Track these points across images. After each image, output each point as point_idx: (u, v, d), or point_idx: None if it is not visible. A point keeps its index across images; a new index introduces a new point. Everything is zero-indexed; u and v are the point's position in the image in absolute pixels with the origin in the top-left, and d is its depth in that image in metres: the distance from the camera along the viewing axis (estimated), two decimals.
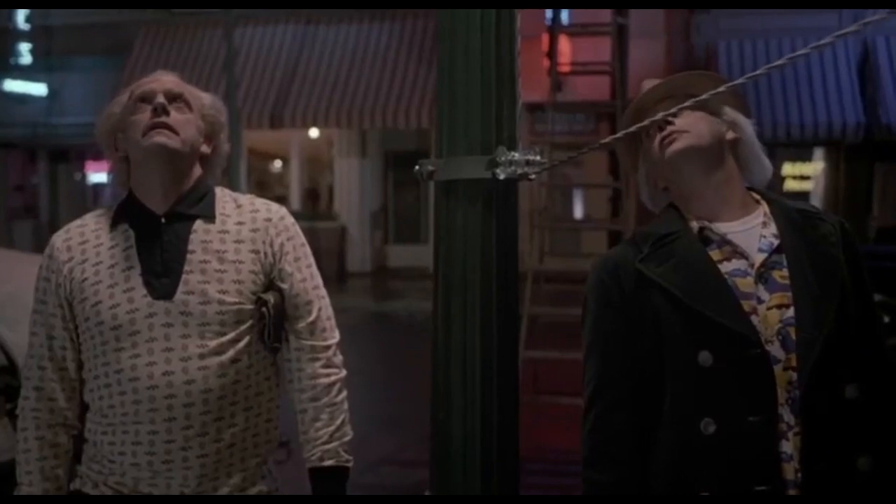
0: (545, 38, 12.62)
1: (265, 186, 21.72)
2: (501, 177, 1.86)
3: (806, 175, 18.51)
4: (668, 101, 2.06)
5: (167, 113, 2.20)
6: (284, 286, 2.28)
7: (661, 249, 2.02)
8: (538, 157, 1.90)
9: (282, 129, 18.19)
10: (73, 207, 21.56)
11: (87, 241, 2.23)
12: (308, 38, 18.44)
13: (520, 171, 1.88)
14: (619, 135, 1.87)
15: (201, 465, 2.17)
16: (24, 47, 20.12)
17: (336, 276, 18.81)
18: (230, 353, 2.18)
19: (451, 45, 1.91)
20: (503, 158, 1.86)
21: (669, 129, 2.05)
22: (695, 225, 2.05)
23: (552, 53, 9.21)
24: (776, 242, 2.01)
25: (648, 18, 13.19)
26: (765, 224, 2.04)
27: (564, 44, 12.33)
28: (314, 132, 20.01)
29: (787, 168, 18.53)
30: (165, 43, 18.89)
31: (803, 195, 18.35)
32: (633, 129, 1.86)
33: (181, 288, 2.16)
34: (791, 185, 18.59)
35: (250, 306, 2.22)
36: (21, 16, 20.01)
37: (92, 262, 2.20)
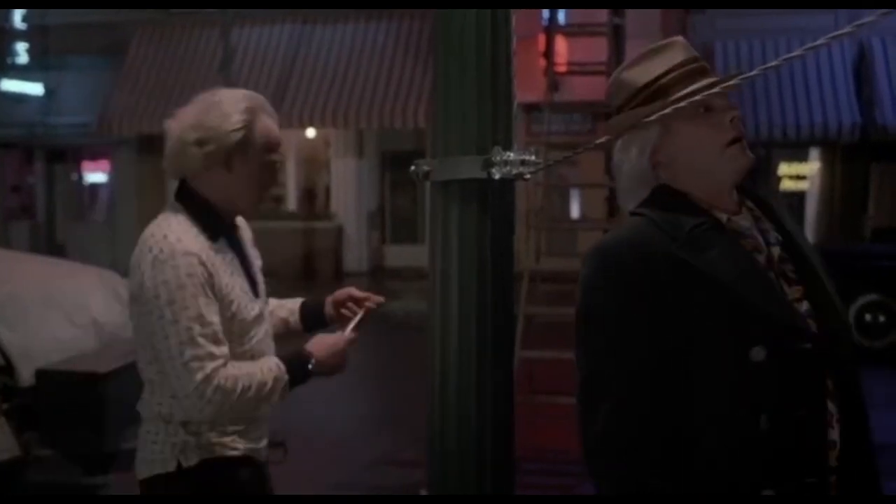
0: (542, 38, 12.65)
1: None
2: (497, 177, 1.87)
3: (802, 175, 18.53)
4: (699, 78, 1.95)
5: None
6: None
7: (698, 239, 1.90)
8: (533, 158, 1.91)
9: (278, 128, 18.19)
10: (70, 207, 21.57)
11: (208, 252, 2.52)
12: (305, 38, 18.45)
13: (515, 171, 1.88)
14: (676, 106, 1.77)
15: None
16: (21, 47, 20.11)
17: (333, 276, 18.83)
18: None
19: (447, 45, 1.92)
20: (498, 158, 1.86)
21: (741, 130, 1.95)
22: (722, 216, 1.95)
23: (548, 53, 9.23)
24: (779, 236, 1.98)
25: (645, 19, 13.19)
26: (757, 218, 2.00)
27: (561, 44, 12.33)
28: (311, 132, 20.01)
29: (784, 168, 18.56)
30: (162, 43, 18.88)
31: (799, 195, 18.40)
32: (708, 90, 1.70)
33: (258, 284, 2.67)
34: (787, 185, 18.62)
35: None
36: (18, 15, 19.99)
37: (221, 270, 2.52)
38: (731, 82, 1.84)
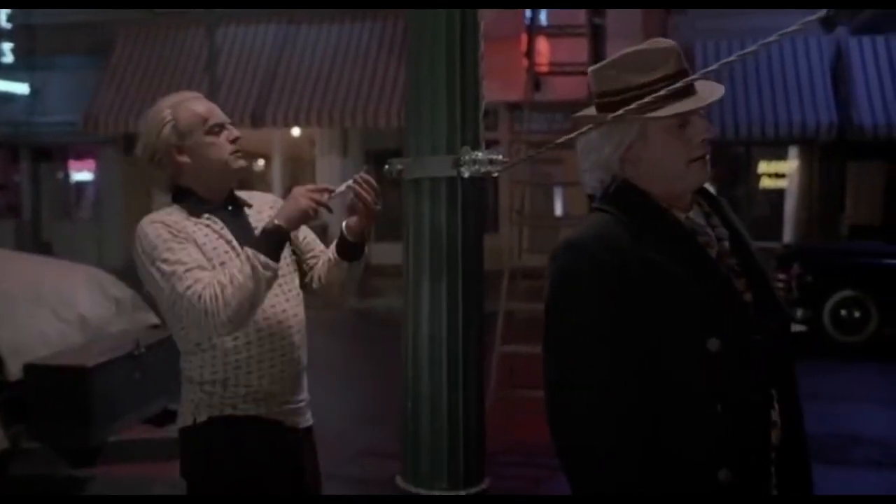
0: (524, 38, 12.74)
1: (247, 185, 21.63)
2: (466, 175, 1.98)
3: (781, 173, 18.67)
4: (688, 91, 2.02)
5: None
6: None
7: (659, 236, 2.00)
8: (500, 157, 2.02)
9: (264, 128, 18.21)
10: (56, 206, 21.54)
11: (185, 227, 2.71)
12: (290, 38, 18.48)
13: (483, 169, 2.00)
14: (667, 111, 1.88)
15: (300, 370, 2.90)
16: (7, 46, 20.07)
17: None
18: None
19: (419, 48, 2.03)
20: (467, 158, 1.97)
21: (708, 149, 2.05)
22: (681, 215, 2.06)
23: (530, 53, 9.33)
24: (726, 231, 2.10)
25: (625, 19, 13.27)
26: (707, 213, 2.12)
27: (543, 44, 12.42)
28: (296, 131, 20.04)
29: (763, 166, 18.70)
30: (148, 42, 18.88)
31: (778, 193, 18.56)
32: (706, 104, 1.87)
33: None
34: (766, 183, 18.77)
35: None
36: (3, 15, 19.97)
37: (198, 234, 2.72)
38: (697, 76, 1.98)
